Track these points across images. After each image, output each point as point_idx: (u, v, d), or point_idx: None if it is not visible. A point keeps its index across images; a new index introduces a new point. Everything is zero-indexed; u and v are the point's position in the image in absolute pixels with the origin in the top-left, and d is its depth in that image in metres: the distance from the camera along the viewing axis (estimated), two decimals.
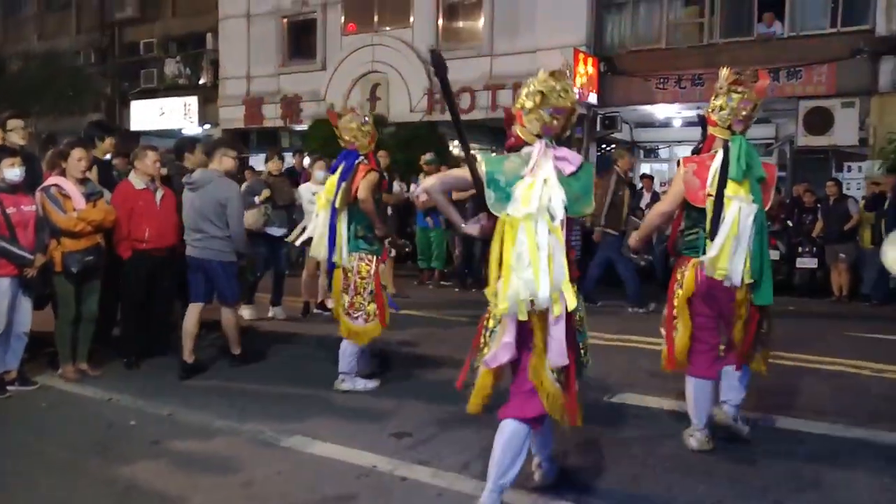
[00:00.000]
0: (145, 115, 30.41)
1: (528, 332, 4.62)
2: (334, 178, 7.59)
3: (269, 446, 6.27)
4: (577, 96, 4.90)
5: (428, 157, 15.18)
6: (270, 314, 11.60)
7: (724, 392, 6.13)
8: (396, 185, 15.48)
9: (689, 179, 5.86)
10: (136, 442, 6.43)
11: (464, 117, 21.24)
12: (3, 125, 8.20)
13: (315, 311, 12.05)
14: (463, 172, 4.86)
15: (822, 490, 5.38)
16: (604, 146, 22.32)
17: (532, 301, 4.40)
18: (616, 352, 9.21)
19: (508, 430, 4.73)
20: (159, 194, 8.68)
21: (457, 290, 15.08)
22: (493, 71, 21.63)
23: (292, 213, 12.23)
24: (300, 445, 6.25)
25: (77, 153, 7.92)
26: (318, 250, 7.79)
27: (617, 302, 12.59)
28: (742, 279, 5.64)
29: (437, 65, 4.58)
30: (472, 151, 5.08)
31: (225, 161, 8.58)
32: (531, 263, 4.39)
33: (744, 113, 5.81)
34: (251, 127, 26.64)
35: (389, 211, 13.38)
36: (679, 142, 23.00)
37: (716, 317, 6.00)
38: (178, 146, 10.04)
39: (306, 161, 15.73)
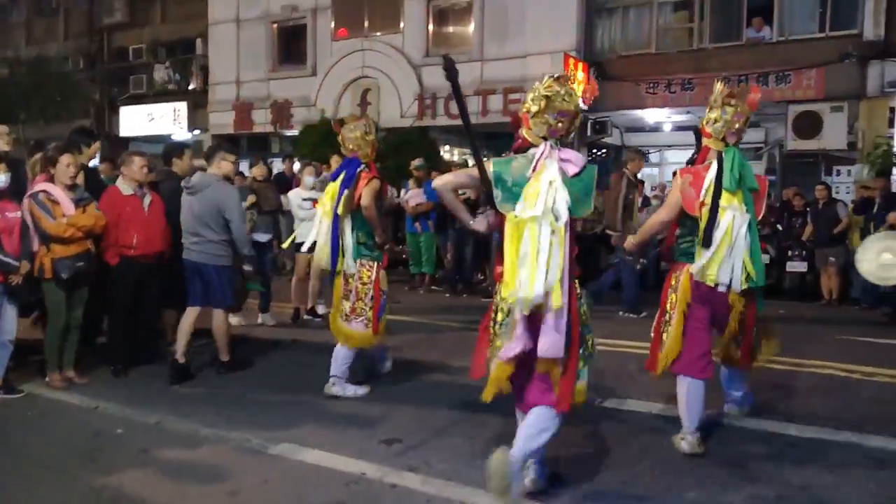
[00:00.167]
0: (134, 120, 30.30)
1: (537, 326, 4.81)
2: (335, 185, 7.68)
3: (256, 454, 6.23)
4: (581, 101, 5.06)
5: (417, 162, 15.18)
6: (259, 321, 11.54)
7: (727, 390, 6.76)
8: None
9: (686, 190, 6.05)
10: (123, 450, 6.39)
11: (454, 122, 21.50)
12: None
13: (305, 317, 11.99)
14: (473, 172, 5.10)
15: (813, 494, 5.37)
16: (594, 150, 22.34)
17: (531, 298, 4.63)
18: (607, 356, 9.13)
19: (536, 411, 5.01)
20: (147, 200, 8.63)
21: (447, 294, 15.05)
22: (483, 76, 21.62)
23: (278, 219, 12.22)
24: (288, 453, 6.20)
25: (66, 159, 7.87)
26: (321, 257, 7.82)
27: (608, 307, 12.54)
28: (738, 284, 5.89)
29: (449, 69, 4.81)
30: (466, 156, 5.23)
31: (224, 165, 8.64)
32: (530, 263, 4.63)
33: (737, 125, 6.04)
34: (241, 132, 26.52)
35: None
36: (669, 146, 23.04)
37: (709, 321, 6.15)
38: (166, 151, 9.97)
39: (296, 166, 15.73)
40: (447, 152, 23.61)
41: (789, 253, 15.09)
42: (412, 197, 15.02)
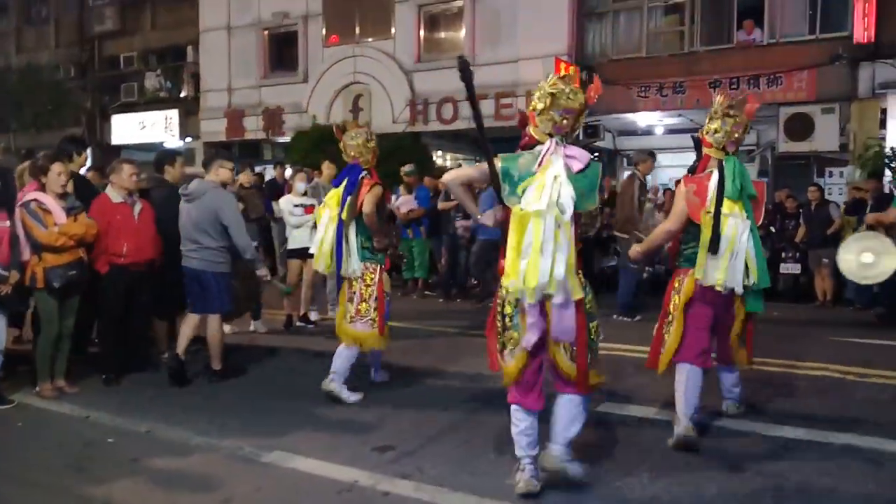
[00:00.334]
0: (126, 128, 30.25)
1: (545, 314, 5.05)
2: (338, 191, 7.89)
3: (248, 462, 6.20)
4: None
5: (408, 167, 15.17)
6: (251, 328, 11.49)
7: (726, 391, 6.98)
8: None
9: (691, 198, 6.33)
10: (114, 460, 6.35)
11: (446, 127, 21.43)
12: None
13: (298, 323, 11.95)
14: (482, 167, 5.27)
15: (809, 496, 5.37)
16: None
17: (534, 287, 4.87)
18: (602, 359, 9.16)
19: (569, 399, 5.33)
20: (137, 208, 8.61)
21: (441, 300, 15.01)
22: (475, 81, 21.44)
23: (266, 226, 12.21)
24: (280, 461, 6.17)
25: (57, 168, 7.85)
26: (320, 263, 8.04)
27: (602, 310, 12.50)
28: (740, 288, 6.27)
29: (464, 69, 4.93)
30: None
31: (221, 172, 8.69)
32: (533, 254, 4.84)
33: (736, 135, 6.39)
34: (233, 139, 26.50)
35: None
36: (661, 149, 22.98)
37: (711, 322, 6.44)
38: (157, 159, 9.93)
39: (288, 173, 15.71)
40: (439, 157, 23.61)
41: (783, 255, 15.07)
42: (403, 204, 15.01)
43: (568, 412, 5.31)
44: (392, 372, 8.66)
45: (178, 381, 8.50)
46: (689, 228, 6.41)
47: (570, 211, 4.94)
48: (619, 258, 13.17)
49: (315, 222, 11.27)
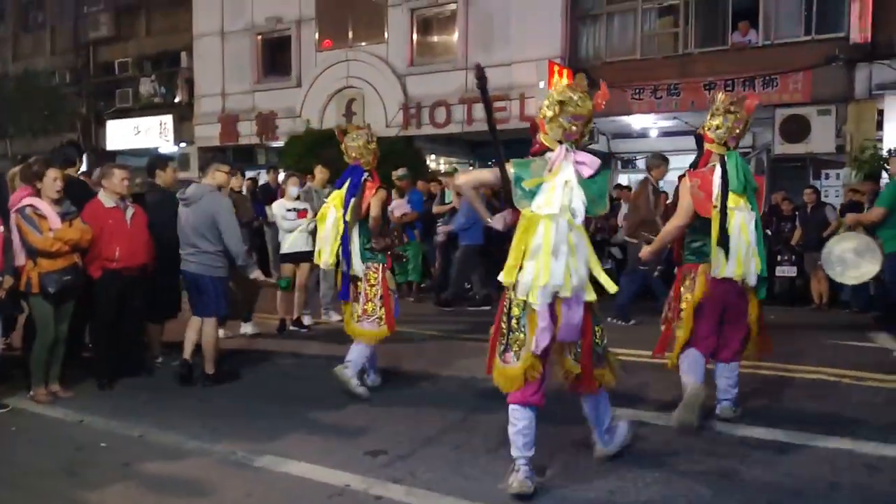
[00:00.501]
0: (121, 134, 30.32)
1: (554, 316, 5.18)
2: (341, 192, 8.08)
3: (240, 467, 6.19)
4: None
5: (400, 172, 15.12)
6: (242, 331, 11.48)
7: (722, 392, 6.93)
8: None
9: (696, 193, 6.56)
10: (106, 464, 6.34)
11: (440, 131, 21.39)
12: None
13: (291, 328, 11.91)
14: (494, 172, 5.43)
15: (804, 501, 5.33)
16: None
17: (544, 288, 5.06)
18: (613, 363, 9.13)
19: (595, 398, 5.71)
20: (129, 212, 8.62)
21: (434, 303, 14.94)
22: (468, 84, 21.47)
23: (258, 230, 12.18)
24: (272, 465, 6.16)
25: (52, 173, 7.89)
26: (323, 257, 8.20)
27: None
28: (753, 279, 6.57)
29: (480, 77, 5.18)
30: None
31: (218, 176, 8.83)
32: (542, 256, 5.02)
33: (737, 131, 6.60)
34: (227, 144, 26.50)
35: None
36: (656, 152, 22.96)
37: (719, 314, 6.75)
38: (149, 164, 9.94)
39: (281, 177, 15.68)
40: (433, 161, 23.58)
41: (778, 257, 14.99)
42: (396, 207, 14.96)
43: (603, 408, 5.78)
44: (385, 376, 8.65)
45: (189, 380, 8.71)
46: (694, 223, 6.64)
47: (581, 215, 5.13)
48: (628, 263, 13.11)
49: (309, 226, 11.42)
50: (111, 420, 7.45)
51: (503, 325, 5.42)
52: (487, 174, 5.71)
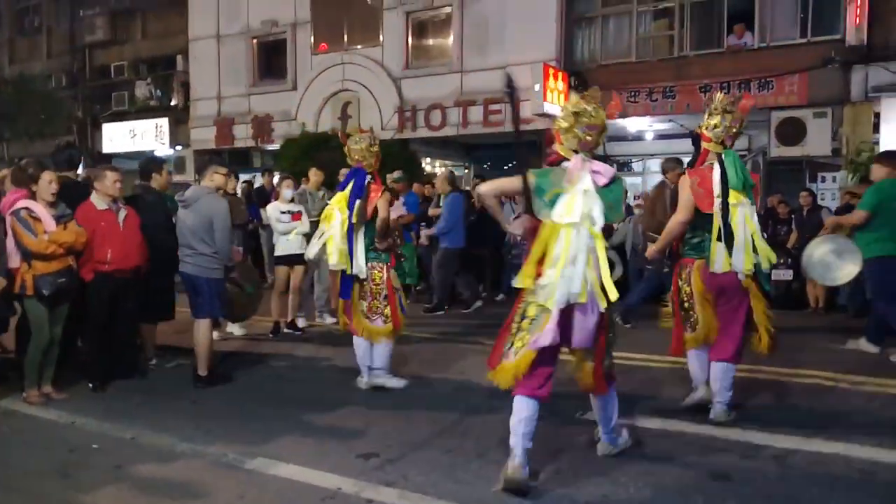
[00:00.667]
0: (117, 137, 30.31)
1: (568, 321, 5.40)
2: (345, 193, 8.25)
3: (232, 469, 6.18)
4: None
5: (396, 174, 15.06)
6: (228, 329, 11.49)
7: (716, 394, 6.98)
8: None
9: (696, 190, 6.76)
10: (98, 466, 6.34)
11: (435, 134, 21.37)
12: None
13: (285, 330, 11.88)
14: (514, 181, 5.58)
15: None
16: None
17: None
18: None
19: (606, 396, 5.89)
20: (122, 214, 8.60)
21: (428, 306, 14.90)
22: (463, 87, 21.56)
23: (253, 232, 12.16)
24: (264, 468, 6.15)
25: (47, 176, 7.93)
26: (333, 258, 8.28)
27: None
28: (751, 268, 6.72)
29: (509, 85, 5.46)
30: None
31: (216, 178, 8.89)
32: (564, 264, 5.24)
33: (734, 130, 6.81)
34: (222, 147, 26.39)
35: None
36: (652, 155, 22.94)
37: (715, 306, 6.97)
38: (143, 166, 9.92)
39: (276, 180, 15.68)
40: (428, 164, 23.56)
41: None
42: (392, 210, 14.93)
43: (612, 405, 5.95)
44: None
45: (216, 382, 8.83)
46: (695, 219, 6.84)
47: (600, 222, 5.35)
48: (643, 263, 13.12)
49: (303, 228, 11.43)
50: (104, 422, 7.45)
51: (514, 326, 5.56)
52: (508, 183, 5.81)
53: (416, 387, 8.60)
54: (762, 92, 18.14)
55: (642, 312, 11.61)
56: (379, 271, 8.29)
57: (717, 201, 6.62)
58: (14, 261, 7.82)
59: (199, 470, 6.18)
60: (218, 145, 26.53)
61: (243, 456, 6.37)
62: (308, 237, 11.53)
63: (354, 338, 8.43)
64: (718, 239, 6.62)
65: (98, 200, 8.48)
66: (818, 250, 9.63)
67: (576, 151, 5.56)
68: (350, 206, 8.12)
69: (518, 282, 5.49)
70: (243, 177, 20.55)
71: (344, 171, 12.59)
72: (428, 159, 23.87)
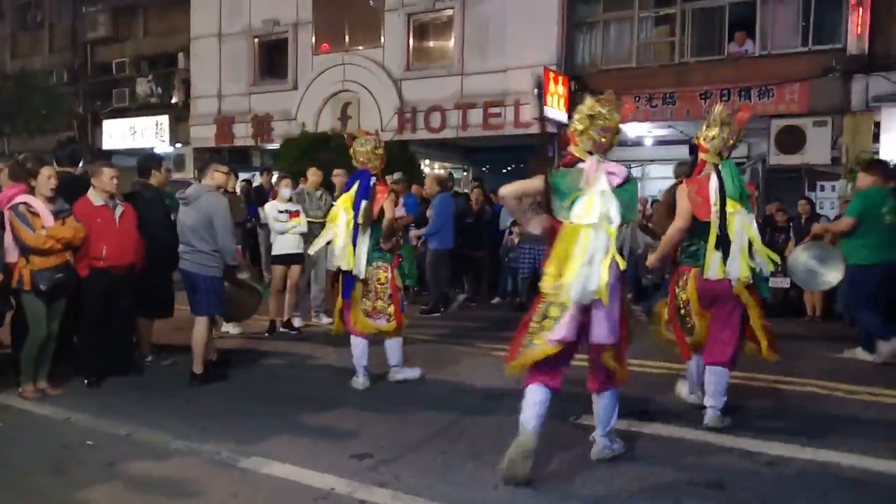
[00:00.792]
0: (117, 134, 30.36)
1: (587, 318, 5.58)
2: (350, 194, 8.36)
3: (226, 467, 6.17)
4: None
5: (396, 176, 15.08)
6: (224, 328, 11.44)
7: (708, 398, 7.00)
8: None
9: (693, 198, 6.86)
10: (91, 463, 6.32)
11: (435, 136, 21.37)
12: None
13: (281, 329, 11.88)
14: (535, 183, 5.83)
15: None
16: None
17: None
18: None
19: (608, 395, 5.98)
20: (118, 211, 8.59)
21: (424, 307, 14.90)
22: (463, 90, 21.57)
23: (251, 231, 12.14)
24: (257, 466, 6.14)
25: (46, 171, 7.94)
26: (343, 261, 8.33)
27: None
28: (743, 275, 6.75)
29: (539, 87, 5.39)
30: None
31: (217, 176, 8.92)
32: (582, 262, 5.41)
33: (731, 141, 6.86)
34: (222, 146, 26.44)
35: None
36: (651, 160, 22.95)
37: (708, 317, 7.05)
38: (142, 163, 9.90)
39: (274, 179, 15.68)
40: (427, 166, 23.54)
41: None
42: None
43: (612, 403, 6.02)
44: (374, 379, 8.64)
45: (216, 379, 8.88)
46: (693, 227, 6.91)
47: (617, 222, 5.52)
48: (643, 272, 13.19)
49: (301, 228, 11.44)
50: (98, 418, 7.44)
51: (535, 324, 5.69)
52: (529, 184, 5.94)
53: (410, 388, 8.60)
54: (762, 100, 18.17)
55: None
56: (384, 271, 8.44)
57: (715, 209, 6.70)
58: (12, 256, 7.83)
59: (193, 468, 6.17)
60: (218, 143, 26.55)
61: (237, 454, 6.36)
62: (305, 237, 11.56)
63: (353, 337, 8.47)
64: (715, 247, 6.71)
65: (95, 197, 8.47)
66: (802, 256, 9.73)
67: (590, 153, 5.75)
68: (356, 207, 8.23)
69: (544, 283, 5.64)
70: (242, 175, 20.55)
71: (337, 172, 12.76)
72: (427, 161, 23.86)
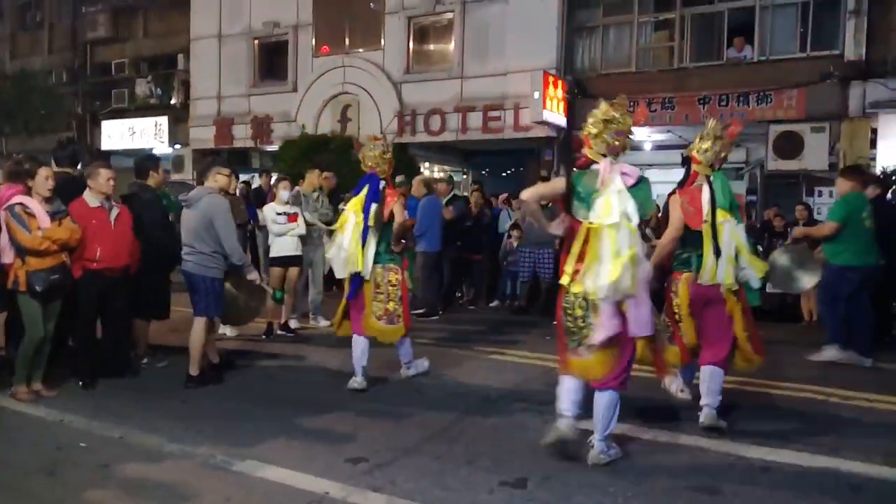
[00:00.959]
0: (116, 134, 30.27)
1: (622, 313, 5.81)
2: (360, 198, 8.44)
3: (219, 470, 6.14)
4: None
5: (399, 178, 15.09)
6: (221, 330, 11.38)
7: (703, 397, 7.11)
8: None
9: (686, 208, 7.09)
10: (85, 465, 6.29)
11: (434, 139, 21.36)
12: None
13: (278, 332, 11.88)
14: (555, 185, 6.23)
15: None
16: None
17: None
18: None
19: (608, 396, 6.05)
20: (114, 213, 8.57)
21: (423, 310, 14.90)
22: (463, 93, 21.59)
23: (250, 233, 12.13)
24: (252, 470, 6.11)
25: (44, 172, 7.90)
26: (351, 265, 8.41)
27: None
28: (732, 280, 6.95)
29: (570, 91, 5.54)
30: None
31: (219, 178, 8.91)
32: (612, 261, 5.62)
33: (723, 154, 7.16)
34: (221, 147, 26.31)
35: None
36: (649, 165, 22.88)
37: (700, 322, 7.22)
38: (139, 164, 9.88)
39: (273, 181, 15.68)
40: (426, 169, 23.53)
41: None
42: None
43: (602, 409, 6.08)
44: (370, 382, 8.61)
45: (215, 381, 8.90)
46: (685, 236, 7.14)
47: (636, 219, 5.74)
48: None
49: (299, 230, 11.45)
50: (93, 420, 7.40)
51: (569, 325, 6.03)
52: (549, 187, 6.41)
53: (407, 391, 8.60)
54: (760, 105, 18.20)
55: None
56: (395, 273, 8.57)
57: (708, 219, 6.91)
58: (8, 256, 7.80)
59: (187, 471, 6.15)
60: (217, 145, 26.48)
61: (232, 457, 6.33)
62: (303, 239, 11.57)
63: (354, 337, 8.51)
64: (710, 254, 6.89)
65: (90, 198, 8.45)
66: (780, 259, 9.80)
67: (604, 155, 5.96)
68: (365, 211, 8.33)
69: (565, 282, 5.93)
70: (242, 177, 20.52)
71: (326, 175, 12.80)
72: (426, 164, 23.84)
